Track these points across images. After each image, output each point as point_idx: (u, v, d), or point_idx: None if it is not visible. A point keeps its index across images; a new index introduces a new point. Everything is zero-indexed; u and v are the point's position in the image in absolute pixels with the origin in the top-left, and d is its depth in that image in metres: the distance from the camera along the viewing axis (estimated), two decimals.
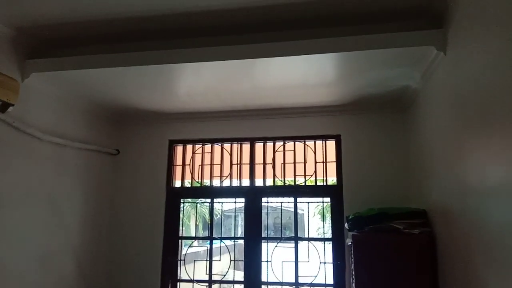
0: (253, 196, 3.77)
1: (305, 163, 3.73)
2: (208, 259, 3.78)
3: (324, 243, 3.61)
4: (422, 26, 2.48)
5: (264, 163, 3.82)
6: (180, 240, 3.88)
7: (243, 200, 3.80)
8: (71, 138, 3.33)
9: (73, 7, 2.49)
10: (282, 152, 3.81)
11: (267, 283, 3.67)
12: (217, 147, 3.96)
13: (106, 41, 2.93)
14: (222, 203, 3.93)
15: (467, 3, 2.02)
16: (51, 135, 3.08)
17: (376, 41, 2.46)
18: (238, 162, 3.89)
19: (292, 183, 3.75)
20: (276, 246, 3.70)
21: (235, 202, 3.90)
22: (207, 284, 3.74)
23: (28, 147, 2.88)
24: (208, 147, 3.98)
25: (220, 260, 3.83)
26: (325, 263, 3.54)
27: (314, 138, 3.74)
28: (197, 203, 4.36)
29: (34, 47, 2.94)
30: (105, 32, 2.81)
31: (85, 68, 2.81)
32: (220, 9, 2.49)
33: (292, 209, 3.73)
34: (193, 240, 4.35)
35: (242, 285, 3.70)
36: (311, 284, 3.51)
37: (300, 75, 2.93)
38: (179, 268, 3.80)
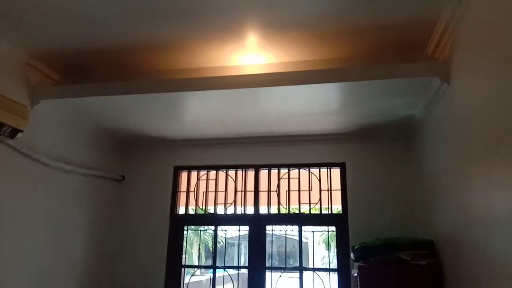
0: (257, 224, 3.73)
1: (310, 190, 3.71)
2: None
3: (330, 274, 3.54)
4: (425, 57, 2.52)
5: (269, 191, 3.80)
6: (182, 269, 3.82)
7: (247, 227, 3.76)
8: (77, 164, 3.35)
9: (84, 35, 2.57)
10: (287, 179, 3.79)
11: None
12: (221, 174, 3.96)
13: (115, 69, 3.00)
14: (225, 230, 3.89)
15: (471, 34, 2.06)
16: (58, 161, 3.10)
17: (380, 71, 2.49)
18: (243, 189, 3.87)
19: (297, 211, 3.71)
20: (280, 276, 3.62)
21: (239, 230, 3.86)
22: None
23: (35, 172, 2.90)
24: (212, 173, 3.98)
25: None
26: None
27: (319, 165, 3.73)
28: (200, 230, 4.31)
29: (44, 74, 3.01)
30: (114, 61, 2.88)
31: (94, 95, 2.86)
32: None
33: (297, 237, 3.68)
34: (195, 269, 4.27)
35: None
36: None
37: (305, 104, 2.95)
38: None
